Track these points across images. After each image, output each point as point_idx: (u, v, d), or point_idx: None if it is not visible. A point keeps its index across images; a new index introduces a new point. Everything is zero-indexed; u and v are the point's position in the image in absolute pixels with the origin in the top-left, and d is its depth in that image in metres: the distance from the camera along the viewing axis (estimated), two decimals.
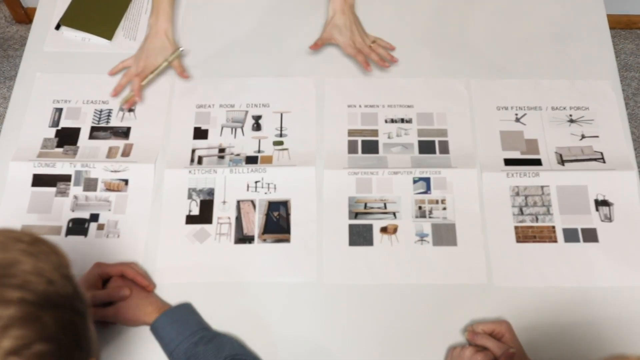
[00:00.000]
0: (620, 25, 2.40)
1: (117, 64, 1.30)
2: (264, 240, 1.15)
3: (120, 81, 1.28)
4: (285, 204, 1.18)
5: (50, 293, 0.58)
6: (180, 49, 1.28)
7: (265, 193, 1.18)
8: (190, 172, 1.20)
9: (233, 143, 1.25)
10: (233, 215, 1.17)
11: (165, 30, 1.27)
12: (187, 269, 1.12)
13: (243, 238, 1.15)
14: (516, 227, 1.15)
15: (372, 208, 1.17)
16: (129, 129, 1.26)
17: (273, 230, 1.15)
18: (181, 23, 1.39)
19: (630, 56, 2.37)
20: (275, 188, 1.19)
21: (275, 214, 1.17)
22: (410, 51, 1.35)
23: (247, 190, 1.19)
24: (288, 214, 1.17)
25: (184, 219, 1.16)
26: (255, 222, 1.16)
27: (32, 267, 0.59)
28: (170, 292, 1.09)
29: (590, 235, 1.14)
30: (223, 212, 1.17)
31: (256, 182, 1.19)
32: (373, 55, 1.29)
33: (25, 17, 2.42)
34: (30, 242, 0.62)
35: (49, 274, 0.59)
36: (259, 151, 1.23)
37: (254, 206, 1.17)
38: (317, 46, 1.31)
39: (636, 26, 2.41)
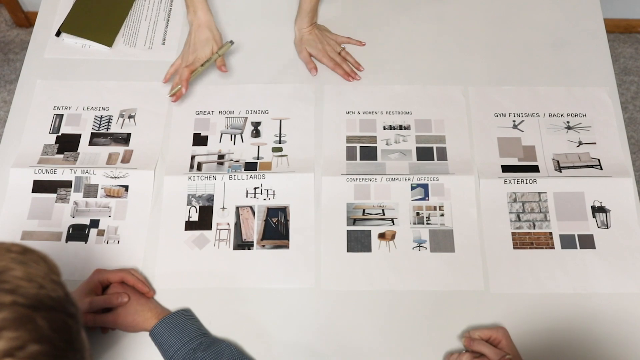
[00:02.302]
0: (619, 29, 2.40)
1: (169, 69, 1.29)
2: (263, 246, 1.15)
3: (169, 70, 1.28)
4: (284, 210, 1.18)
5: (41, 296, 0.59)
6: (231, 41, 1.27)
7: (264, 199, 1.19)
8: (189, 178, 1.21)
9: (232, 149, 1.25)
10: (232, 221, 1.17)
11: (207, 22, 1.26)
12: (186, 275, 1.13)
13: (242, 244, 1.16)
14: (513, 234, 1.16)
15: (370, 214, 1.18)
16: (129, 135, 1.27)
17: (272, 237, 1.16)
18: (181, 30, 1.40)
19: (630, 60, 2.38)
20: (274, 194, 1.19)
21: (274, 220, 1.17)
22: (409, 58, 1.36)
23: (246, 196, 1.19)
24: (287, 220, 1.17)
25: (183, 225, 1.17)
26: (254, 228, 1.17)
27: (23, 274, 0.60)
28: (169, 298, 1.10)
29: (587, 242, 1.15)
30: (222, 218, 1.18)
31: (255, 188, 1.20)
32: (345, 65, 1.33)
33: (26, 20, 2.43)
34: (20, 251, 0.63)
35: (40, 280, 0.61)
36: (258, 157, 1.24)
37: (253, 212, 1.18)
38: (315, 68, 1.34)
39: (635, 30, 2.42)
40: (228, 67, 1.32)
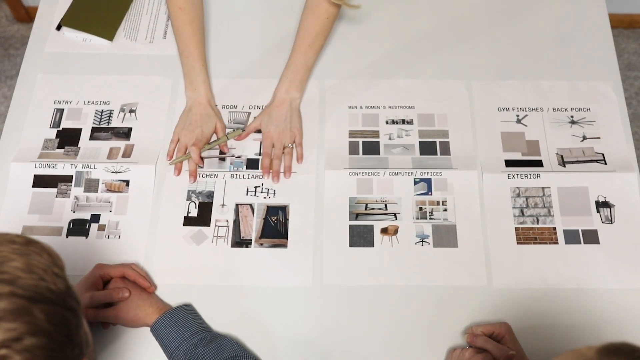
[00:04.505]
0: (623, 24, 2.39)
1: (170, 146, 1.22)
2: (261, 245, 1.14)
3: (170, 147, 1.22)
4: (283, 209, 1.17)
5: (41, 288, 0.59)
6: (242, 129, 1.24)
7: (265, 197, 1.18)
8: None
9: (234, 144, 1.24)
10: (231, 218, 1.17)
11: (209, 100, 1.24)
12: (184, 270, 1.13)
13: (240, 242, 1.15)
14: (517, 229, 1.15)
15: (372, 209, 1.17)
16: (130, 129, 1.26)
17: (270, 235, 1.15)
18: None
19: (634, 55, 2.37)
20: (274, 193, 1.19)
21: (274, 218, 1.16)
22: (411, 52, 1.35)
23: (247, 194, 1.19)
24: (286, 219, 1.16)
25: (182, 221, 1.17)
26: (252, 226, 1.16)
27: (23, 265, 0.60)
28: (168, 293, 1.09)
29: (591, 237, 1.14)
30: (221, 214, 1.17)
31: (256, 187, 1.19)
32: (276, 162, 1.20)
33: (26, 16, 2.42)
34: (23, 243, 0.63)
35: (40, 272, 0.60)
36: (260, 154, 1.23)
37: (253, 210, 1.17)
38: (241, 138, 1.24)
39: (639, 25, 2.40)
40: (231, 62, 1.33)
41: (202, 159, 1.21)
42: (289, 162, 1.21)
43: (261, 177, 1.20)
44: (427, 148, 1.24)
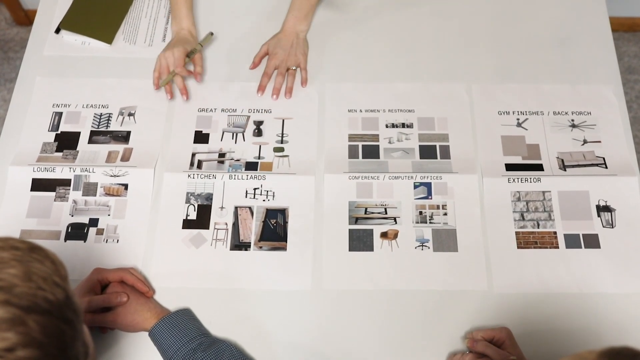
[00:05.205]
0: (623, 27, 2.39)
1: (154, 74, 1.28)
2: (260, 248, 1.14)
3: (155, 75, 1.28)
4: (283, 212, 1.17)
5: (37, 298, 0.58)
6: (211, 33, 1.33)
7: (264, 200, 1.18)
8: (189, 176, 1.19)
9: (234, 148, 1.24)
10: (230, 221, 1.16)
11: (189, 30, 1.32)
12: (182, 274, 1.12)
13: (239, 244, 1.14)
14: (517, 233, 1.15)
15: (372, 213, 1.17)
16: (128, 133, 1.26)
17: (269, 238, 1.15)
18: None
19: (634, 59, 2.36)
20: (273, 196, 1.18)
21: (273, 221, 1.16)
22: (411, 55, 1.35)
23: (246, 196, 1.18)
24: (285, 222, 1.16)
25: (181, 223, 1.16)
26: (252, 229, 1.15)
27: (21, 272, 0.58)
28: (166, 297, 1.09)
29: (591, 241, 1.14)
30: (220, 217, 1.16)
31: (255, 189, 1.18)
32: (279, 79, 1.30)
33: (26, 19, 2.42)
34: (26, 249, 0.61)
35: (39, 280, 0.59)
36: (259, 157, 1.23)
37: (252, 213, 1.17)
38: (255, 65, 1.33)
39: (639, 29, 2.40)
40: (231, 65, 1.33)
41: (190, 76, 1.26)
42: (291, 83, 1.30)
43: (257, 93, 1.29)
44: (427, 152, 1.23)
